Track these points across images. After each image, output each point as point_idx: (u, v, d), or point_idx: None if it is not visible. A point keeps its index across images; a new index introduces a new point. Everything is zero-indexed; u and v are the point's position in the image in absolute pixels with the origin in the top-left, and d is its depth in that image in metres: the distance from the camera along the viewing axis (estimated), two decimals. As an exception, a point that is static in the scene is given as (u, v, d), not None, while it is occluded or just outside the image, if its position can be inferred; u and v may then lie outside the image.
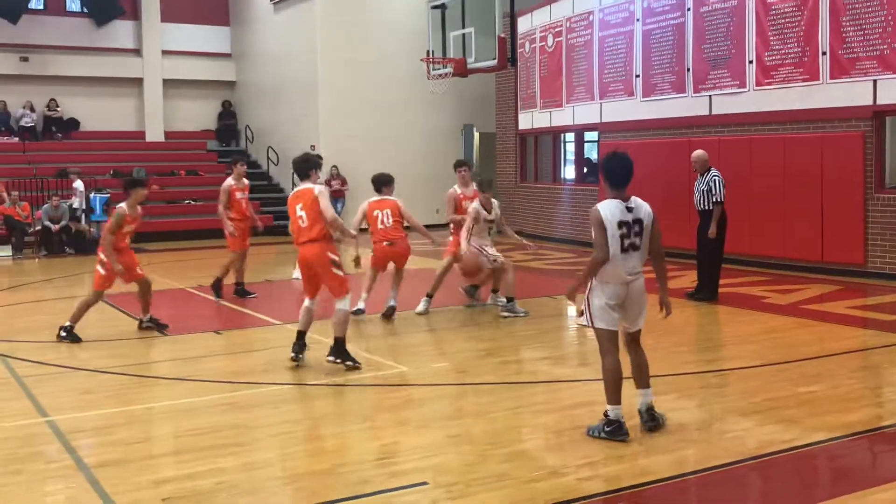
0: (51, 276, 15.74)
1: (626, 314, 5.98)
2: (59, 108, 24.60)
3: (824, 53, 13.38)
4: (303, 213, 7.91)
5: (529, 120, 20.66)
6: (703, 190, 11.26)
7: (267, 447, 5.96)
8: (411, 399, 7.26)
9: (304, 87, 23.61)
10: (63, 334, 9.44)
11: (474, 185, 11.18)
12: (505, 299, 10.68)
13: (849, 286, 12.41)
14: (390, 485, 5.15)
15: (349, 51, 22.91)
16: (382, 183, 10.50)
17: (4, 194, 19.36)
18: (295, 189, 8.29)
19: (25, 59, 24.04)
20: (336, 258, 7.96)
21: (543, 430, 6.20)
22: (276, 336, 9.89)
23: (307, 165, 8.17)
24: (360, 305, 10.46)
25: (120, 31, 25.47)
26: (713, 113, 15.37)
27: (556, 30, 19.38)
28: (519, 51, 19.75)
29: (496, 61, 16.94)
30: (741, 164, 14.30)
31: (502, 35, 16.79)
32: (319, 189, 7.97)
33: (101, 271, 9.55)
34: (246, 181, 12.53)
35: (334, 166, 21.97)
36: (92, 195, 20.29)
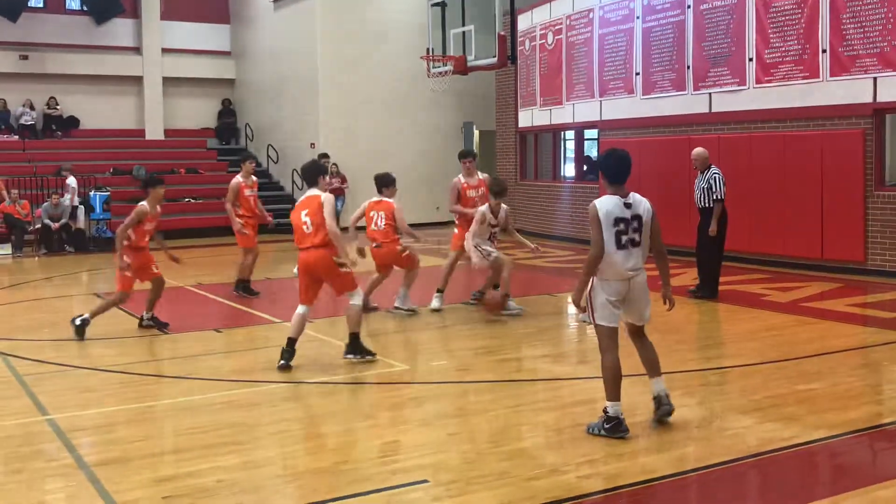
0: (50, 274, 15.74)
1: (630, 310, 6.00)
2: (58, 107, 24.59)
3: (824, 51, 13.38)
4: (307, 220, 7.97)
5: (529, 118, 20.66)
6: (703, 188, 11.26)
7: (267, 445, 5.96)
8: (412, 397, 7.26)
9: (304, 85, 23.60)
10: (78, 323, 9.48)
11: (479, 175, 11.21)
12: (479, 293, 10.87)
13: (849, 284, 12.41)
14: (391, 482, 5.16)
15: (349, 49, 22.90)
16: (382, 184, 10.48)
17: (4, 193, 19.37)
18: (303, 195, 8.34)
19: (25, 58, 24.03)
20: (339, 259, 7.99)
21: (543, 428, 6.20)
22: (277, 334, 9.87)
23: (315, 172, 8.26)
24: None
25: (120, 29, 25.46)
26: (713, 111, 15.36)
27: (557, 27, 19.37)
28: (519, 48, 19.74)
29: (496, 59, 16.93)
30: (741, 161, 14.30)
31: (502, 33, 16.78)
32: (326, 197, 8.02)
33: (126, 274, 9.60)
34: (254, 178, 12.64)
35: (334, 164, 21.97)
36: (92, 193, 20.30)
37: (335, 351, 8.80)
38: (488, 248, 10.37)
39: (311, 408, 7.06)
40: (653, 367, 6.14)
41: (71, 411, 6.77)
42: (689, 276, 12.48)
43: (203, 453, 5.72)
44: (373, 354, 8.16)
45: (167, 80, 25.83)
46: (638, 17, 16.88)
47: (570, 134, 20.33)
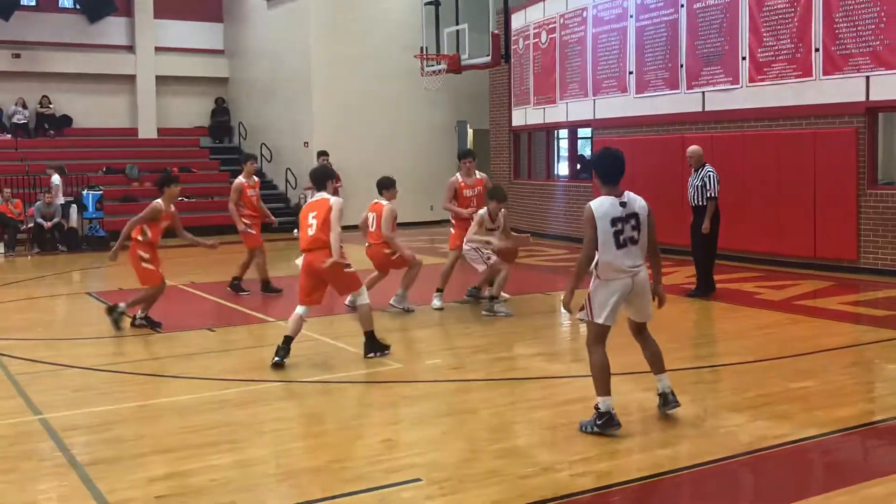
0: (43, 273, 15.70)
1: (633, 308, 6.06)
2: (51, 105, 24.52)
3: (817, 50, 13.41)
4: (314, 222, 8.06)
5: (523, 116, 20.66)
6: (697, 185, 11.28)
7: (261, 444, 5.96)
8: (405, 396, 7.26)
9: (298, 84, 23.57)
10: (137, 323, 9.68)
11: (477, 175, 11.22)
12: (482, 292, 10.89)
13: (841, 282, 12.45)
14: (384, 481, 5.15)
15: (343, 47, 22.88)
16: (381, 186, 10.50)
17: (-3, 192, 19.30)
18: (311, 199, 8.43)
19: (17, 56, 23.94)
20: (343, 260, 8.06)
21: (537, 427, 6.20)
22: (270, 333, 9.88)
23: (324, 176, 8.42)
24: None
25: (113, 28, 25.38)
26: (706, 109, 15.39)
27: (550, 26, 19.38)
28: (512, 47, 19.73)
29: (490, 58, 16.93)
30: (734, 160, 14.32)
31: (496, 31, 16.78)
32: (335, 201, 8.10)
33: (150, 266, 9.63)
34: (256, 178, 12.70)
35: (329, 163, 21.95)
36: (84, 192, 20.25)
37: (329, 349, 8.81)
38: (486, 252, 10.39)
39: (305, 406, 7.06)
40: (657, 364, 6.20)
41: (64, 411, 6.75)
42: (681, 275, 12.52)
43: (196, 452, 5.71)
44: (388, 347, 8.35)
45: (160, 79, 25.77)
46: (631, 16, 16.90)
47: (563, 133, 20.34)
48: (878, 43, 12.61)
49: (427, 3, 18.13)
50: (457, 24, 17.43)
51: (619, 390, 6.83)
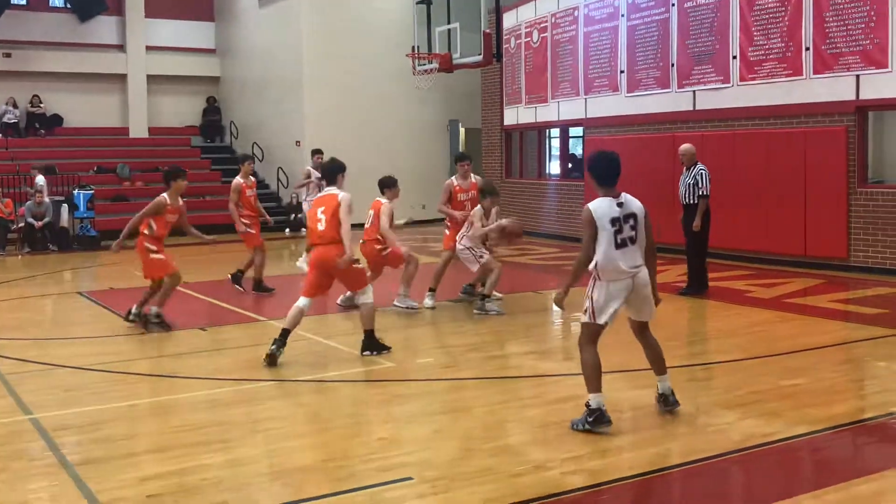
0: (34, 273, 15.65)
1: (633, 308, 6.10)
2: (42, 105, 24.44)
3: (807, 49, 13.46)
4: (323, 217, 8.11)
5: (515, 115, 20.68)
6: (689, 183, 11.31)
7: (252, 443, 5.95)
8: (396, 394, 7.26)
9: (290, 83, 23.54)
10: (155, 321, 9.64)
11: (473, 178, 11.25)
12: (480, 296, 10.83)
13: (832, 280, 12.49)
14: (375, 480, 5.16)
15: (334, 46, 22.85)
16: (383, 185, 10.46)
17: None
18: (320, 193, 8.49)
19: (8, 56, 23.86)
20: (344, 259, 8.10)
21: (529, 425, 6.21)
22: (262, 332, 9.87)
23: (335, 170, 8.45)
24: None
25: (103, 27, 25.32)
26: (697, 108, 15.43)
27: (542, 25, 19.40)
28: (504, 46, 19.72)
29: (481, 57, 16.92)
30: (725, 159, 14.36)
31: (487, 31, 16.78)
32: (344, 196, 8.16)
33: (160, 256, 9.62)
34: (252, 178, 12.75)
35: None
36: (75, 192, 20.18)
37: (321, 348, 8.81)
38: (480, 251, 10.42)
39: (297, 406, 7.05)
40: (658, 365, 6.25)
41: (54, 410, 6.73)
42: (673, 273, 12.54)
43: (188, 451, 5.70)
44: (388, 348, 8.33)
45: (151, 78, 25.71)
46: (623, 15, 16.93)
47: (555, 132, 20.37)
48: (867, 42, 12.66)
49: (419, 2, 18.12)
50: (448, 23, 17.42)
51: (610, 388, 6.84)
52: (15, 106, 24.07)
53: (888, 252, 12.75)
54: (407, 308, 10.53)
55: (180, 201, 9.90)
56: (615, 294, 5.92)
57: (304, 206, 15.08)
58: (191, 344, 9.21)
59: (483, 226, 10.42)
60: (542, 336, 9.95)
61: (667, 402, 6.23)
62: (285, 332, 8.07)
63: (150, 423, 6.66)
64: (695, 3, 15.33)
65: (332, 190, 8.30)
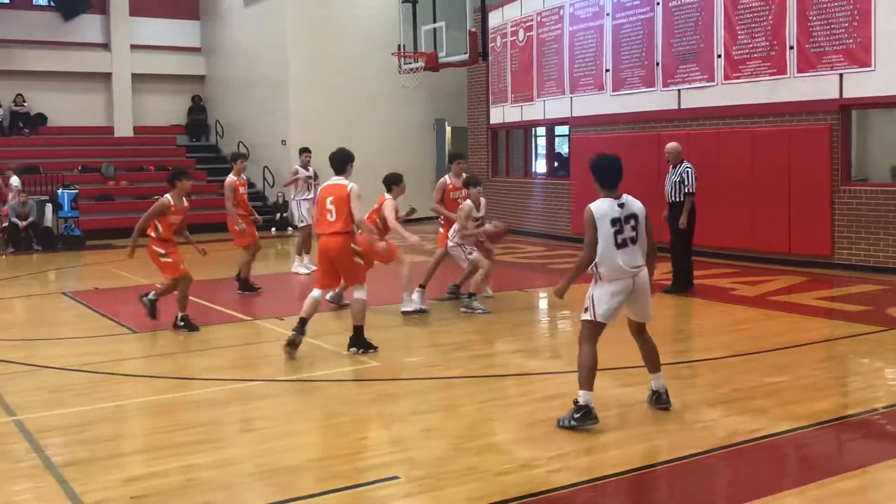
0: (18, 273, 15.55)
1: (633, 308, 6.16)
2: (26, 104, 24.29)
3: (791, 48, 13.53)
4: (332, 207, 8.19)
5: (501, 114, 20.70)
6: (675, 181, 11.35)
7: (238, 443, 5.94)
8: (384, 393, 7.26)
9: (275, 82, 23.48)
10: (181, 324, 9.59)
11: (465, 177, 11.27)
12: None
13: (816, 277, 12.57)
14: (362, 479, 5.16)
15: (320, 45, 22.81)
16: (390, 182, 10.33)
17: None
18: (328, 181, 8.52)
19: (-9, 54, 23.73)
20: (357, 248, 8.28)
21: (515, 423, 6.22)
22: (248, 332, 9.86)
23: (344, 160, 8.53)
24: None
25: (88, 25, 25.18)
26: (682, 107, 15.49)
27: (527, 24, 19.42)
28: (490, 45, 19.75)
29: (467, 56, 16.92)
30: (709, 157, 14.41)
31: (473, 29, 16.77)
32: (353, 188, 8.22)
33: (169, 259, 9.57)
34: (244, 177, 12.74)
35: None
36: (59, 191, 20.08)
37: (309, 348, 8.78)
38: (469, 248, 10.44)
39: (283, 405, 7.03)
40: (653, 363, 6.32)
41: (39, 412, 6.70)
42: (658, 271, 12.53)
43: (173, 452, 5.68)
44: (375, 348, 8.32)
45: (136, 77, 25.59)
46: (608, 14, 16.97)
47: (541, 130, 20.40)
48: (851, 41, 12.74)
49: (404, 1, 18.09)
50: (434, 21, 17.41)
51: (597, 386, 6.85)
52: (-2, 105, 23.94)
53: (871, 249, 12.84)
54: (416, 311, 10.28)
55: (185, 202, 9.84)
56: (616, 293, 5.98)
57: (292, 205, 15.04)
58: (177, 344, 9.17)
59: (475, 218, 10.46)
60: (529, 334, 9.96)
61: (659, 400, 6.29)
62: (303, 321, 8.23)
63: (135, 423, 6.64)
64: (679, 3, 15.38)
65: (341, 180, 8.37)
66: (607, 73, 17.03)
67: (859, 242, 12.96)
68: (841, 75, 12.94)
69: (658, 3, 15.77)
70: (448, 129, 24.58)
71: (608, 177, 6.10)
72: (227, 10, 25.53)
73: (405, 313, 10.26)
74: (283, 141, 23.24)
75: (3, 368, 8.13)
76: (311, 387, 7.48)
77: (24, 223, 18.83)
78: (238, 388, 7.41)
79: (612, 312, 6.00)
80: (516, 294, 11.85)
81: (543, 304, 11.85)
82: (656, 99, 15.95)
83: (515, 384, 7.41)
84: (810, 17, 13.22)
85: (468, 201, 10.57)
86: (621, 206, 6.03)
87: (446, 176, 11.35)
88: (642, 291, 6.08)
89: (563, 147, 20.17)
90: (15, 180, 19.47)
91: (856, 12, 12.64)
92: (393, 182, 10.32)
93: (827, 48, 13.04)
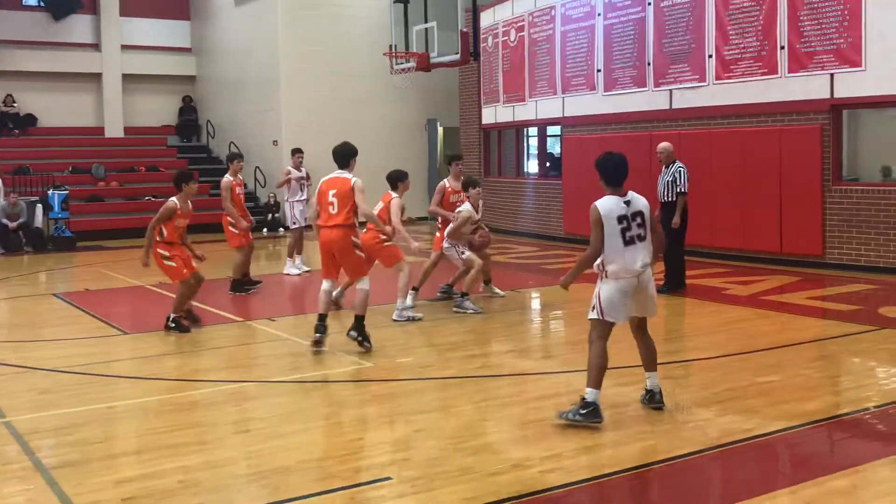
0: (8, 274, 15.47)
1: (637, 304, 6.16)
2: (15, 104, 24.17)
3: (782, 48, 13.56)
4: (334, 200, 8.26)
5: (493, 114, 20.70)
6: (667, 181, 11.36)
7: (230, 445, 5.92)
8: (375, 394, 7.25)
9: (266, 82, 23.44)
10: (172, 325, 9.53)
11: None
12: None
13: (807, 277, 12.60)
14: (354, 480, 5.15)
15: (311, 45, 22.77)
16: (395, 179, 10.22)
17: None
18: (329, 175, 8.53)
19: (-19, 54, 23.62)
20: (357, 241, 8.36)
21: (508, 424, 6.22)
22: (239, 333, 9.83)
23: (348, 154, 8.56)
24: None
25: (78, 26, 25.09)
26: (673, 107, 15.51)
27: (519, 24, 19.42)
28: (482, 45, 19.76)
29: (459, 56, 16.95)
30: (701, 157, 14.44)
31: (465, 29, 16.80)
32: (357, 182, 8.28)
33: (172, 264, 9.53)
34: (240, 177, 12.74)
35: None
36: (50, 192, 20.01)
37: (300, 349, 8.77)
38: (461, 249, 10.45)
39: (275, 406, 7.00)
40: (651, 362, 6.35)
41: (29, 413, 6.67)
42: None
43: (164, 454, 5.66)
44: (370, 346, 8.37)
45: (127, 77, 25.50)
46: (599, 14, 16.99)
47: (532, 131, 20.41)
48: (841, 41, 12.77)
49: (396, 1, 18.12)
50: (425, 21, 17.43)
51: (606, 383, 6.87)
52: (-12, 105, 23.82)
53: (863, 249, 12.88)
54: (408, 320, 9.99)
55: (190, 205, 9.79)
56: (622, 291, 6.01)
57: (285, 206, 15.02)
58: (168, 345, 9.14)
59: (474, 222, 10.51)
60: (522, 335, 9.95)
61: (653, 399, 6.32)
62: (322, 317, 8.38)
63: (126, 425, 6.61)
64: (671, 3, 15.40)
65: (345, 174, 8.41)
66: (599, 73, 17.04)
67: (850, 242, 13.00)
68: (832, 75, 12.98)
69: (649, 4, 15.79)
70: (440, 129, 24.58)
71: (615, 175, 6.16)
72: (218, 9, 25.46)
73: (397, 322, 9.98)
74: (274, 141, 23.20)
75: (-7, 370, 8.09)
76: (305, 388, 7.46)
77: (15, 224, 18.75)
78: (230, 389, 7.39)
79: (618, 310, 6.03)
80: (509, 294, 11.83)
81: (536, 304, 11.85)
82: (648, 99, 15.97)
83: (509, 384, 7.40)
84: (801, 18, 13.26)
85: (467, 205, 10.57)
86: (627, 203, 6.09)
87: (445, 179, 11.36)
88: (646, 288, 6.12)
89: (555, 147, 20.18)
90: None
91: (846, 12, 12.68)
92: (398, 179, 10.23)
93: (818, 48, 13.08)
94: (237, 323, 10.32)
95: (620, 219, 6.01)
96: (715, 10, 14.59)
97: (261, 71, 23.58)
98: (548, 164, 20.15)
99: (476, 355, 8.62)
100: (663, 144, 11.67)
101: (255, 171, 23.58)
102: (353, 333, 8.37)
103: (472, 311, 10.30)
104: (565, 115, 18.13)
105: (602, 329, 6.07)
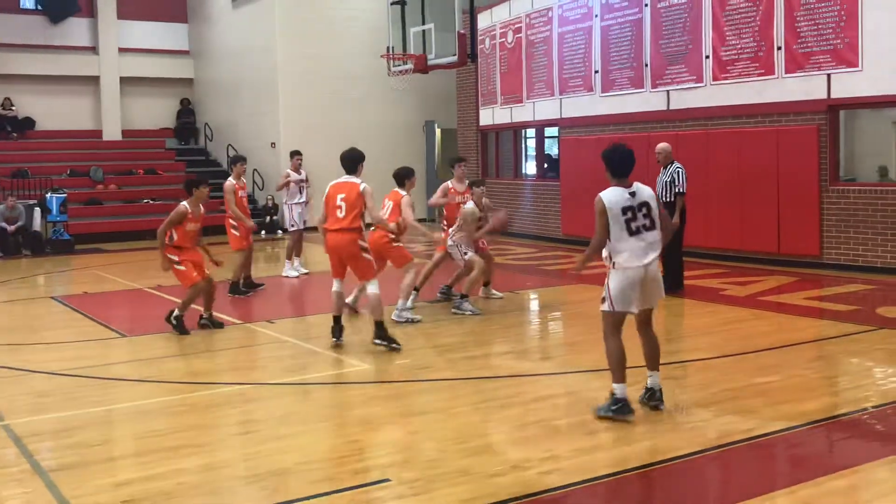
0: (7, 278, 15.47)
1: (645, 296, 6.21)
2: (13, 108, 24.18)
3: (779, 48, 13.58)
4: (342, 204, 8.38)
5: (490, 116, 20.71)
6: (666, 182, 11.36)
7: (228, 447, 5.93)
8: (374, 396, 7.25)
9: (264, 84, 23.44)
10: (173, 322, 9.56)
11: (466, 183, 11.28)
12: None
13: (805, 277, 12.60)
14: (353, 482, 5.15)
15: (309, 47, 22.78)
16: (402, 176, 10.26)
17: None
18: (337, 179, 8.64)
19: (-22, 58, 23.61)
20: (364, 244, 8.50)
21: (506, 425, 6.22)
22: (237, 335, 9.83)
23: (356, 159, 8.70)
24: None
25: (75, 29, 25.09)
26: (671, 108, 15.52)
27: (516, 26, 19.43)
28: (479, 47, 19.77)
29: (456, 57, 16.94)
30: (698, 158, 14.44)
31: (462, 31, 16.79)
32: (366, 188, 8.42)
33: (182, 268, 9.54)
34: (244, 180, 12.78)
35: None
36: (48, 195, 20.00)
37: (297, 351, 8.78)
38: (464, 248, 10.46)
39: (273, 409, 7.00)
40: (653, 360, 6.39)
41: (27, 416, 6.67)
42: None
43: (163, 456, 5.66)
44: (398, 346, 8.45)
45: (124, 80, 25.51)
46: (596, 16, 17.00)
47: (530, 132, 20.42)
48: (838, 41, 12.79)
49: (393, 3, 18.10)
50: (423, 23, 17.42)
51: (586, 387, 6.89)
52: (-14, 109, 23.82)
53: (860, 249, 12.89)
54: (406, 321, 9.92)
55: (201, 209, 9.78)
56: (630, 282, 6.06)
57: (284, 209, 15.02)
58: (165, 348, 9.13)
59: (480, 218, 10.56)
60: (520, 336, 9.96)
61: (653, 398, 6.34)
62: (336, 319, 8.63)
63: (125, 427, 6.61)
64: (668, 4, 15.42)
65: (353, 179, 8.53)
66: (596, 74, 17.06)
67: (848, 242, 13.01)
68: (829, 75, 12.99)
69: (646, 5, 15.80)
70: (438, 130, 24.58)
71: (620, 166, 6.23)
72: (215, 12, 25.47)
73: (396, 322, 9.96)
74: (272, 143, 23.20)
75: (-9, 373, 8.09)
76: (303, 390, 7.46)
77: (13, 228, 18.74)
78: (229, 391, 7.39)
79: (629, 300, 6.09)
80: (507, 295, 11.83)
81: (535, 305, 11.86)
82: (645, 100, 15.98)
83: (507, 386, 7.39)
84: (798, 18, 13.28)
85: (471, 203, 10.59)
86: (632, 194, 6.15)
87: (449, 181, 11.40)
88: (654, 279, 6.18)
89: (552, 148, 20.19)
90: None
91: (843, 13, 12.69)
92: (405, 176, 10.27)
93: (815, 48, 13.09)
94: (236, 325, 10.31)
95: (625, 210, 6.08)
96: (712, 10, 14.60)
97: (258, 73, 23.58)
98: (545, 166, 20.16)
99: (475, 357, 8.62)
100: (662, 145, 11.68)
101: (253, 173, 23.58)
102: (377, 341, 8.44)
103: (469, 312, 10.30)
104: (563, 116, 18.14)
105: (614, 321, 6.16)
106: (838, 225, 13.10)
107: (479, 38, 19.94)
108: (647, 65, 15.87)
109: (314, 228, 8.80)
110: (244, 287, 12.42)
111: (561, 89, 18.07)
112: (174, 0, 26.74)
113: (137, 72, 25.66)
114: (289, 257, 14.21)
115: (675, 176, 11.25)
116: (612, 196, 6.13)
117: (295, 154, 14.55)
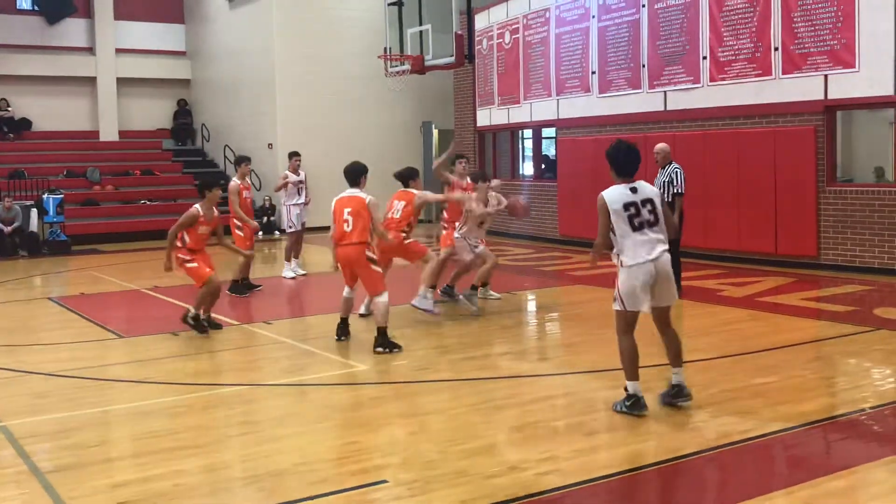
0: (4, 279, 15.44)
1: (657, 293, 6.23)
2: (10, 108, 24.15)
3: (776, 49, 13.59)
4: (349, 218, 8.54)
5: (487, 117, 20.71)
6: (664, 182, 11.36)
7: (225, 448, 5.91)
8: (371, 397, 7.24)
9: (261, 85, 23.42)
10: (191, 322, 9.54)
11: (468, 179, 11.28)
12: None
13: (802, 278, 12.61)
14: (350, 483, 5.14)
15: (306, 48, 22.77)
16: (407, 176, 10.28)
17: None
18: (342, 193, 8.78)
19: (-26, 59, 23.57)
20: (373, 256, 8.66)
21: (504, 426, 6.21)
22: (234, 337, 9.81)
23: (358, 172, 8.84)
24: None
25: (72, 30, 25.06)
26: (668, 109, 15.53)
27: (513, 27, 19.44)
28: (476, 48, 19.78)
29: (453, 58, 16.94)
30: (695, 158, 14.45)
31: (459, 32, 16.79)
32: (371, 200, 8.58)
33: (194, 264, 9.51)
34: (248, 181, 12.82)
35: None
36: (45, 196, 19.97)
37: (295, 352, 8.77)
38: (474, 241, 10.48)
39: (270, 410, 7.00)
40: (677, 357, 6.42)
41: (24, 417, 6.65)
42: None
43: (160, 457, 5.65)
44: (399, 347, 8.52)
45: (121, 81, 25.48)
46: (593, 17, 17.01)
47: (527, 133, 20.42)
48: (835, 42, 12.81)
49: (390, 4, 18.09)
50: (420, 24, 17.42)
51: (584, 388, 6.88)
52: (-18, 110, 23.78)
53: (857, 250, 12.91)
54: (427, 311, 9.97)
55: (215, 212, 9.74)
56: (639, 280, 6.08)
57: (283, 210, 15.01)
58: (163, 349, 9.12)
59: (480, 214, 10.53)
60: (518, 337, 9.95)
61: (681, 393, 6.36)
62: (343, 320, 8.91)
63: (122, 429, 6.60)
64: (665, 5, 15.43)
65: (357, 192, 8.70)
66: (593, 75, 17.06)
67: (845, 243, 13.03)
68: (826, 76, 13.00)
69: (643, 6, 15.82)
70: (435, 131, 24.58)
71: (625, 165, 6.26)
72: (213, 12, 25.44)
73: (415, 307, 9.99)
74: (269, 144, 23.19)
75: (-12, 375, 8.07)
76: (298, 391, 7.45)
77: (10, 229, 18.71)
78: (224, 392, 7.38)
79: (639, 299, 6.11)
80: (505, 296, 11.84)
81: (532, 306, 11.85)
82: (642, 101, 15.99)
83: (504, 387, 7.39)
84: (795, 19, 13.29)
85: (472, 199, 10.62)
86: (634, 190, 6.18)
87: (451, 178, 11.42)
88: (664, 275, 6.19)
89: (549, 149, 20.20)
90: None
91: (840, 14, 12.71)
92: (409, 177, 10.33)
93: (812, 49, 13.11)
94: (233, 326, 10.29)
95: (627, 206, 6.11)
96: (709, 11, 14.61)
97: (255, 74, 23.57)
98: (543, 167, 20.16)
99: (471, 358, 8.60)
100: (661, 145, 11.68)
101: (251, 174, 23.55)
102: (379, 349, 8.47)
103: (472, 308, 10.30)
104: (560, 117, 18.14)
105: (627, 320, 6.19)
106: (835, 226, 13.11)
107: (477, 38, 19.95)
108: (644, 66, 15.88)
109: (312, 229, 8.83)
110: (246, 289, 12.41)
111: (558, 90, 18.08)
112: (171, 1, 26.73)
113: (134, 72, 25.63)
114: (287, 258, 14.20)
115: (674, 176, 11.25)
116: (613, 193, 6.17)
117: (293, 155, 14.55)
